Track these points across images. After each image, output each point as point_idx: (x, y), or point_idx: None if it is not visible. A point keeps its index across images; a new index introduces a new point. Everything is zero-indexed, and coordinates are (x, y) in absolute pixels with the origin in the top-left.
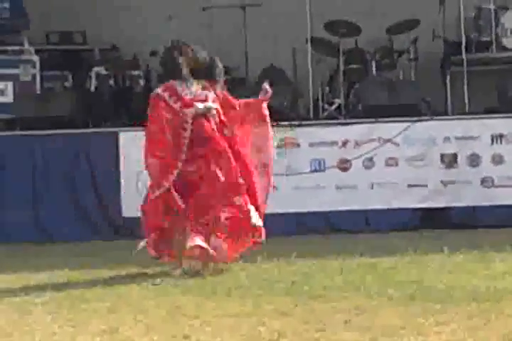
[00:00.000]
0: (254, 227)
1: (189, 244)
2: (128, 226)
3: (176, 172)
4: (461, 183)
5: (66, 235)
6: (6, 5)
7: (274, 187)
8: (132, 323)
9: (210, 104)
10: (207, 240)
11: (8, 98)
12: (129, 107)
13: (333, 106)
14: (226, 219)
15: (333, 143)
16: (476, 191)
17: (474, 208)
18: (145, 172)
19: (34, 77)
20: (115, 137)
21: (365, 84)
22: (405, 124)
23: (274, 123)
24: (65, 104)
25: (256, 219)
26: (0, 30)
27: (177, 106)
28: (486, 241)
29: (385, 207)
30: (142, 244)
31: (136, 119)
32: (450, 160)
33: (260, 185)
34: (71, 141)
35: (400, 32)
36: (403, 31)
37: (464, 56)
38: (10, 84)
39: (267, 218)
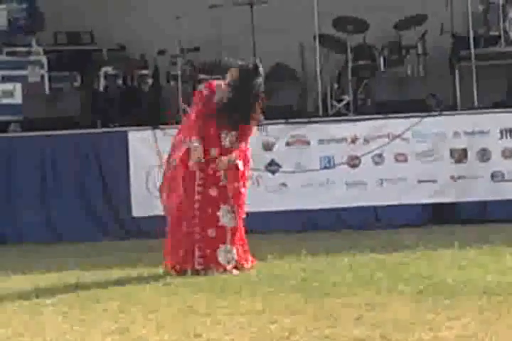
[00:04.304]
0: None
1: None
2: (138, 225)
3: None
4: (471, 178)
5: (76, 235)
6: (24, 5)
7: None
8: (143, 322)
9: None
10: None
11: (17, 99)
12: (138, 107)
13: (342, 103)
14: None
15: (343, 139)
16: (486, 186)
17: (484, 203)
18: (154, 171)
19: (43, 77)
20: (124, 137)
21: (374, 80)
22: (414, 120)
23: (284, 121)
24: (73, 105)
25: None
26: (17, 31)
27: None
28: (497, 235)
29: (395, 202)
30: None
31: (145, 119)
32: (460, 155)
33: None
34: (80, 141)
35: (408, 27)
36: (411, 27)
37: (472, 51)
38: (18, 86)
39: (277, 214)
